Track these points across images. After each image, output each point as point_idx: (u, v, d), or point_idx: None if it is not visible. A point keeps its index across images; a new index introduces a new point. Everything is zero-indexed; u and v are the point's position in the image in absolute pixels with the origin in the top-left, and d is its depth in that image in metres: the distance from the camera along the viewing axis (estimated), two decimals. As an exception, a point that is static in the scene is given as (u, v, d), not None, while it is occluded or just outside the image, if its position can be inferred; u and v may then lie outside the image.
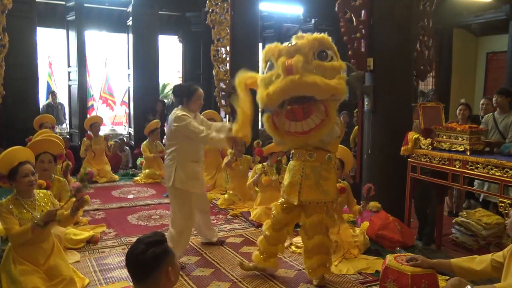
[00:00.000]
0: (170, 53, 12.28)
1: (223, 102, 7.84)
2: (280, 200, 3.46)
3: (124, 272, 3.51)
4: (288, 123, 3.09)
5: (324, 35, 3.11)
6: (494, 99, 4.95)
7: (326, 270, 3.37)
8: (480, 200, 5.16)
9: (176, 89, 4.10)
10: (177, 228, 3.74)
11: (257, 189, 5.53)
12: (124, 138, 9.11)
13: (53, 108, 9.34)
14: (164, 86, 13.79)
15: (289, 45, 3.04)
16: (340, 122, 3.38)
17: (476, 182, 4.51)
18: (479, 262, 2.47)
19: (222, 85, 7.74)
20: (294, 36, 3.15)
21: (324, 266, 3.34)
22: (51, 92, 9.76)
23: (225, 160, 5.88)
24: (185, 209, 3.77)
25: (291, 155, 3.46)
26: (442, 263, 2.72)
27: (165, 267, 1.74)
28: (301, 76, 2.88)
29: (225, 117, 8.86)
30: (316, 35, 3.09)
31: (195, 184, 3.83)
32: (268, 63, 3.15)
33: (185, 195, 3.78)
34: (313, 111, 3.01)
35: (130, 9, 8.80)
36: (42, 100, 10.11)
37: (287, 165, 5.17)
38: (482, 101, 5.37)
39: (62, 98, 9.65)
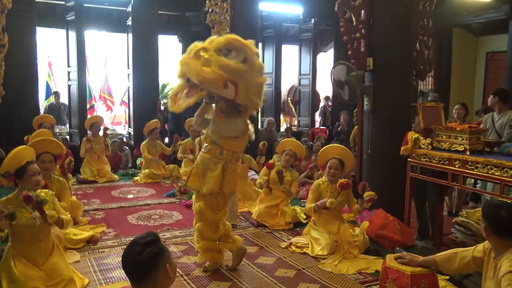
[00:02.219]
0: (170, 53, 12.27)
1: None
2: None
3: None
4: None
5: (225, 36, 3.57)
6: (489, 100, 5.01)
7: (215, 256, 3.63)
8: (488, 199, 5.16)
9: None
10: None
11: (257, 189, 5.53)
12: (124, 138, 9.11)
13: (55, 108, 9.33)
14: (164, 86, 13.78)
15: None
16: (249, 129, 3.62)
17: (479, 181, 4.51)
18: (462, 258, 2.57)
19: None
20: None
21: (212, 251, 3.60)
22: (54, 93, 9.75)
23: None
24: None
25: None
26: (428, 260, 2.77)
27: (163, 265, 1.75)
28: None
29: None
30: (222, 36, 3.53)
31: None
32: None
33: None
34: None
35: (129, 9, 8.79)
36: (42, 100, 10.10)
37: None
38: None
39: (62, 98, 9.64)
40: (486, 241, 2.50)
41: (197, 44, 3.34)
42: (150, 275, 1.72)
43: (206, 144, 3.59)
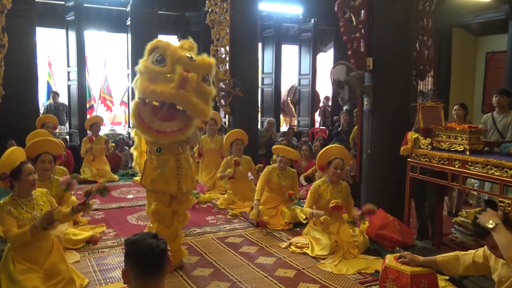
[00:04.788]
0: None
1: (222, 102, 7.83)
2: (155, 199, 3.56)
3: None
4: (150, 117, 3.27)
5: (213, 60, 3.39)
6: (495, 98, 4.90)
7: None
8: (486, 199, 5.11)
9: None
10: None
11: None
12: (124, 138, 9.10)
13: (53, 108, 9.31)
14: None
15: (189, 57, 3.24)
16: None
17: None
18: (463, 262, 2.60)
19: (222, 85, 7.73)
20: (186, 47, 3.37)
21: None
22: (53, 93, 9.73)
23: (221, 169, 5.89)
24: None
25: (158, 149, 3.49)
26: (429, 261, 2.78)
27: (168, 255, 1.85)
28: (190, 95, 3.17)
29: (225, 117, 8.86)
30: (209, 59, 3.36)
31: None
32: (158, 56, 3.25)
33: None
34: (176, 118, 3.30)
35: (129, 9, 8.79)
36: (42, 100, 10.09)
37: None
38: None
39: (62, 98, 9.64)
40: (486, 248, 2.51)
41: (187, 75, 3.16)
42: (165, 263, 1.81)
43: (180, 145, 3.54)
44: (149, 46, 3.34)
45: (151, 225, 3.63)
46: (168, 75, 3.16)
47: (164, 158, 3.46)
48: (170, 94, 3.13)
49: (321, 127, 10.65)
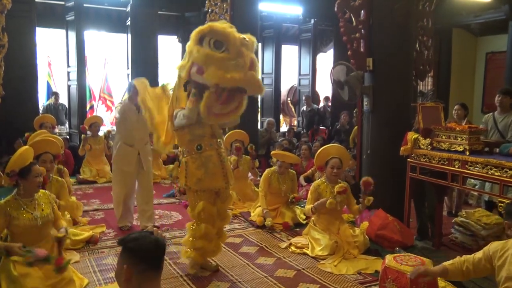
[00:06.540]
0: (170, 53, 12.27)
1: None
2: (202, 197, 3.46)
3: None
4: (214, 104, 3.19)
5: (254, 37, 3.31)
6: (498, 98, 4.81)
7: None
8: (486, 200, 5.10)
9: None
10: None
11: (256, 189, 5.53)
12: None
13: (53, 108, 9.30)
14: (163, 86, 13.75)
15: (244, 38, 3.17)
16: None
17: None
18: (467, 266, 2.52)
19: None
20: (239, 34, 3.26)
21: None
22: (53, 93, 9.73)
23: None
24: None
25: (198, 146, 3.43)
26: (441, 272, 2.60)
27: None
28: (255, 74, 3.16)
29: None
30: (251, 37, 3.25)
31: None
32: (215, 41, 3.14)
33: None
34: (233, 100, 3.22)
35: (129, 9, 8.80)
36: (42, 100, 10.08)
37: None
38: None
39: (62, 98, 9.63)
40: (488, 247, 2.47)
41: (250, 55, 3.15)
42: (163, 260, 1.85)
43: (218, 140, 3.56)
44: (198, 32, 3.20)
45: (192, 226, 3.52)
46: (237, 60, 3.08)
47: (207, 154, 3.43)
48: (244, 78, 3.07)
49: (320, 127, 10.64)
